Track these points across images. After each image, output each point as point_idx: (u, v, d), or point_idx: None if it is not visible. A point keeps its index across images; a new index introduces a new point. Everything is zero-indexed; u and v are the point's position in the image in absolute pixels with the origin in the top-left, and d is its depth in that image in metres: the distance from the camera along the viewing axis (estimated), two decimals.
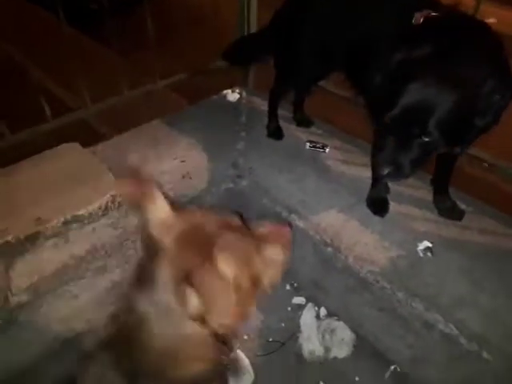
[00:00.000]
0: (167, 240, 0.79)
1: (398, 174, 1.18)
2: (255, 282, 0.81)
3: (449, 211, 1.58)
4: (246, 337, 1.68)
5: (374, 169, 1.53)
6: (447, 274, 1.41)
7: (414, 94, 1.07)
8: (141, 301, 0.78)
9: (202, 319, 0.73)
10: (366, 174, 1.62)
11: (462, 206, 1.60)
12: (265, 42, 1.75)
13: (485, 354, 1.27)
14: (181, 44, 3.29)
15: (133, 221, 1.55)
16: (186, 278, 0.72)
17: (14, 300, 1.32)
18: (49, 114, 1.71)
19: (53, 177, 1.57)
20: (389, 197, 1.61)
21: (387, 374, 1.58)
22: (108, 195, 1.52)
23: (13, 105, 2.14)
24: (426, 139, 1.10)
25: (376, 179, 1.58)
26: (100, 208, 1.50)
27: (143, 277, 0.79)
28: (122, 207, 1.55)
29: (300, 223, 1.63)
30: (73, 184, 1.54)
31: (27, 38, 3.46)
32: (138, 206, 0.84)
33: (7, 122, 1.70)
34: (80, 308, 1.52)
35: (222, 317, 0.74)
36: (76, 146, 1.72)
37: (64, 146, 1.70)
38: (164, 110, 2.10)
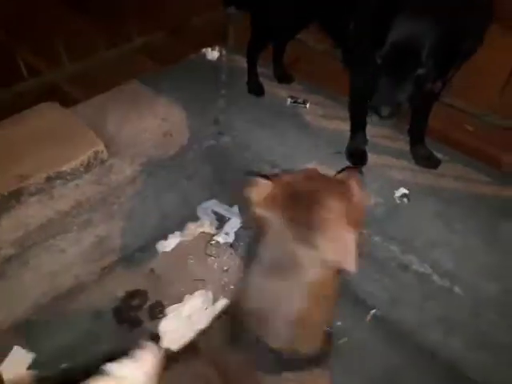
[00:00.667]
0: (277, 207, 0.86)
1: (398, 112, 1.17)
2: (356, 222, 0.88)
3: (425, 160, 1.62)
4: (232, 287, 1.73)
5: (355, 115, 1.56)
6: (422, 218, 1.47)
7: (401, 27, 1.06)
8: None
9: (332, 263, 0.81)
10: (346, 127, 1.65)
11: (438, 155, 1.64)
12: None
13: (456, 289, 1.34)
14: (158, 5, 3.20)
15: (116, 176, 1.57)
16: (314, 228, 0.80)
17: (0, 254, 1.35)
18: (25, 73, 1.68)
19: (34, 135, 1.57)
20: (367, 148, 1.65)
21: (367, 318, 1.67)
22: (90, 151, 1.53)
23: None
24: (421, 71, 1.09)
25: (355, 131, 1.61)
26: (82, 164, 1.52)
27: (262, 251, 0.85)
28: (104, 163, 1.57)
29: None
30: (54, 142, 1.54)
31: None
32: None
33: None
34: (67, 262, 1.55)
35: (352, 254, 0.79)
36: (56, 105, 1.70)
37: (43, 105, 1.69)
38: (141, 74, 2.08)
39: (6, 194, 1.38)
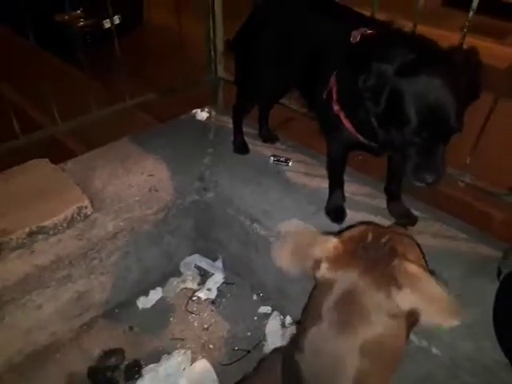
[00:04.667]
0: (349, 262, 0.88)
1: (441, 177, 1.18)
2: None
3: (403, 217, 1.65)
4: (211, 346, 1.70)
5: (333, 175, 1.61)
6: None
7: (425, 99, 1.09)
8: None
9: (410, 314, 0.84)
10: (325, 185, 1.70)
11: (416, 213, 1.68)
12: None
13: (434, 350, 1.32)
14: (152, 70, 3.38)
15: (98, 231, 1.59)
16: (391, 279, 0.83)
17: None
18: (18, 130, 1.75)
19: (20, 191, 1.62)
20: (346, 206, 1.69)
21: None
22: (74, 207, 1.57)
23: None
24: (453, 134, 1.13)
25: (333, 189, 1.65)
26: (65, 220, 1.55)
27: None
28: (88, 218, 1.60)
29: (262, 231, 1.70)
30: (39, 197, 1.59)
31: (4, 64, 3.54)
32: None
33: None
34: (44, 319, 1.53)
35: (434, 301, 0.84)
36: (45, 161, 1.77)
37: (33, 161, 1.75)
38: (134, 129, 2.17)
39: None
